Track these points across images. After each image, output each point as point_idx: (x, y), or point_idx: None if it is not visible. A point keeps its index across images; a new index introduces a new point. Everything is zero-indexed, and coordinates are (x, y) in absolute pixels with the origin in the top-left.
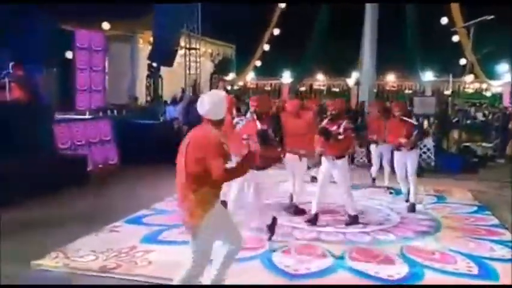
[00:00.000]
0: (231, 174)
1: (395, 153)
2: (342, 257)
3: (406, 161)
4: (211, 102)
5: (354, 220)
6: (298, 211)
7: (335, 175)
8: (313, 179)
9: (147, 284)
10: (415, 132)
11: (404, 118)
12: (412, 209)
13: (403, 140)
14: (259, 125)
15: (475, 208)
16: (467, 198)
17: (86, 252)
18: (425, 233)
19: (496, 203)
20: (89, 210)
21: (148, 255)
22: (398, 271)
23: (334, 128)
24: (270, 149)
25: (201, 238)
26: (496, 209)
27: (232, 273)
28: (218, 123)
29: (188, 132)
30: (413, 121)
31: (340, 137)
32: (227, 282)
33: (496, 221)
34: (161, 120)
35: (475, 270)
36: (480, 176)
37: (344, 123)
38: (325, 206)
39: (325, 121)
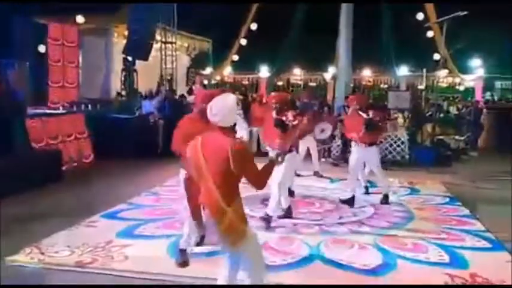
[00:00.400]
0: (267, 177)
1: (354, 148)
2: (317, 248)
3: (366, 157)
4: (222, 111)
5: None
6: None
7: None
8: (316, 173)
9: (125, 277)
10: (363, 127)
11: (360, 112)
12: (385, 200)
13: (354, 135)
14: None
15: (447, 199)
16: (440, 190)
17: (61, 248)
18: (399, 224)
19: (467, 195)
20: (64, 206)
21: (125, 249)
22: (372, 261)
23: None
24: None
25: (249, 249)
26: (467, 200)
27: (208, 266)
28: (231, 130)
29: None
30: (364, 115)
31: (294, 122)
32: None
33: (466, 212)
34: (137, 114)
35: (446, 259)
36: (453, 168)
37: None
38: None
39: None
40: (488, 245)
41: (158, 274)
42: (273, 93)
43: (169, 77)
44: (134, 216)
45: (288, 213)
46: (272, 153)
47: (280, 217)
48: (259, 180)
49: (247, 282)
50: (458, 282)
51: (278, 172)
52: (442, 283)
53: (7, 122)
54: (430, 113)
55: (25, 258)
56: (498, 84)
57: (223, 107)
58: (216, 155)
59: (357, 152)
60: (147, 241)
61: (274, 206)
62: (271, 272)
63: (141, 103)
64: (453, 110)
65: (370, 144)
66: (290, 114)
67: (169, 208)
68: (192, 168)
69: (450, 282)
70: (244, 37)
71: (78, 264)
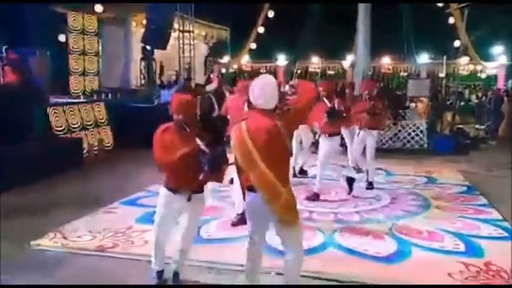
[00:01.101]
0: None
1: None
2: (332, 235)
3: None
4: (264, 93)
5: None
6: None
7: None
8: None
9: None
10: (325, 116)
11: (324, 99)
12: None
13: (316, 124)
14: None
15: (465, 188)
16: (457, 178)
17: (83, 233)
18: (415, 213)
19: (485, 184)
20: (84, 193)
21: (144, 234)
22: (386, 249)
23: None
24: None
25: (298, 230)
26: (485, 189)
27: (224, 252)
28: (273, 111)
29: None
30: (328, 103)
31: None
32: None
33: (484, 201)
34: (155, 103)
35: (461, 248)
36: (471, 157)
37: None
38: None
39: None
40: (505, 234)
41: None
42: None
43: (187, 66)
44: (153, 203)
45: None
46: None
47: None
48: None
49: (289, 264)
50: (472, 270)
51: (321, 152)
52: (456, 271)
53: (29, 109)
54: (450, 101)
55: (49, 242)
56: None
57: (266, 89)
58: (267, 135)
59: (322, 143)
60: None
61: (318, 183)
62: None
63: (159, 92)
64: (474, 98)
65: (331, 135)
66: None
67: None
68: (238, 157)
69: (464, 271)
70: (262, 25)
71: (100, 248)
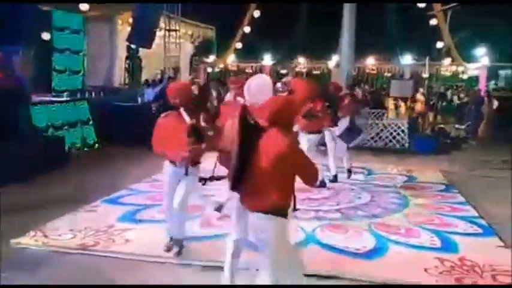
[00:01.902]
0: None
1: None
2: (313, 232)
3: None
4: (261, 91)
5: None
6: None
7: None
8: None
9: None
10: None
11: None
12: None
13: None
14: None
15: (443, 187)
16: (437, 177)
17: (64, 231)
18: (394, 210)
19: (464, 182)
20: (67, 192)
21: (126, 233)
22: (365, 244)
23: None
24: None
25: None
26: (463, 188)
27: (211, 250)
28: None
29: None
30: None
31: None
32: None
33: (462, 199)
34: (140, 102)
35: (437, 244)
36: (452, 156)
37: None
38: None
39: None
40: (480, 231)
41: (158, 257)
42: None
43: (174, 65)
44: (134, 202)
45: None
46: None
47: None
48: None
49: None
50: (447, 265)
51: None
52: (432, 267)
53: (13, 108)
54: (432, 101)
55: (30, 240)
56: (502, 73)
57: (262, 88)
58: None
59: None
60: (147, 225)
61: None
62: None
63: (143, 91)
64: (456, 99)
65: (310, 133)
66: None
67: None
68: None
69: (440, 266)
70: (248, 25)
71: (81, 246)
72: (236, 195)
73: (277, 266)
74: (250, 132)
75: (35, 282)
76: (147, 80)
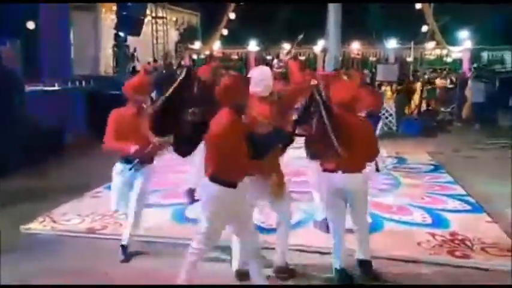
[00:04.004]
0: None
1: None
2: (310, 212)
3: None
4: (263, 81)
5: None
6: None
7: None
8: None
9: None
10: None
11: None
12: None
13: None
14: None
15: (432, 167)
16: (425, 158)
17: (71, 216)
18: (386, 191)
19: (451, 163)
20: (68, 179)
21: None
22: None
23: None
24: None
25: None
26: (450, 168)
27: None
28: (268, 98)
29: None
30: None
31: None
32: None
33: (450, 178)
34: None
35: (428, 220)
36: (438, 138)
37: None
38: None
39: None
40: (469, 208)
41: (164, 238)
42: None
43: (162, 52)
44: None
45: None
46: None
47: None
48: None
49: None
50: (439, 240)
51: None
52: (424, 241)
53: (8, 98)
54: (418, 84)
55: (39, 226)
56: (485, 55)
57: (263, 78)
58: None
59: None
60: (151, 209)
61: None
62: (267, 234)
63: None
64: (440, 82)
65: None
66: None
67: (167, 180)
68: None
69: (432, 240)
70: (232, 11)
71: (90, 230)
72: None
73: None
74: None
75: (47, 266)
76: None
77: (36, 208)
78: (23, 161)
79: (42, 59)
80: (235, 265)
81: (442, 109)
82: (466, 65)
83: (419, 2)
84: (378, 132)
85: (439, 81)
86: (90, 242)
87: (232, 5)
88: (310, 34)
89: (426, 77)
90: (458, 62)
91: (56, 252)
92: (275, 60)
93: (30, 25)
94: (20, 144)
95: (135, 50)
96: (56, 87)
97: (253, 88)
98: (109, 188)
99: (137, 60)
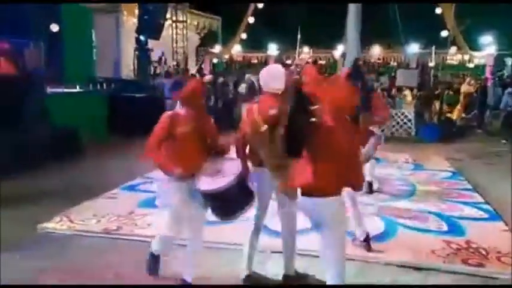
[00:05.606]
0: None
1: None
2: None
3: None
4: (279, 78)
5: None
6: None
7: None
8: None
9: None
10: None
11: None
12: None
13: None
14: None
15: (450, 174)
16: (443, 165)
17: (87, 216)
18: (402, 196)
19: (470, 170)
20: (85, 180)
21: (146, 218)
22: (375, 229)
23: None
24: None
25: None
26: (469, 175)
27: (226, 233)
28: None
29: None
30: None
31: None
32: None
33: (468, 186)
34: (155, 94)
35: (444, 228)
36: (457, 145)
37: None
38: None
39: None
40: (486, 216)
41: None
42: None
43: (181, 56)
44: (152, 189)
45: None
46: None
47: None
48: None
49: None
50: (454, 248)
51: None
52: (439, 248)
53: (28, 99)
54: (438, 90)
55: (56, 225)
56: (509, 61)
57: (275, 74)
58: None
59: None
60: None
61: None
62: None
63: (159, 82)
64: (466, 88)
65: None
66: None
67: None
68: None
69: (446, 248)
70: (252, 15)
71: (106, 230)
72: None
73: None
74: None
75: (61, 264)
76: (167, 72)
77: (54, 208)
78: (42, 161)
79: (65, 61)
80: (244, 268)
81: (463, 115)
82: (488, 71)
83: (442, 2)
84: (370, 151)
85: (464, 87)
86: (105, 241)
87: (251, 10)
88: (330, 38)
89: (447, 82)
90: (480, 68)
91: (71, 251)
92: (292, 67)
93: (54, 28)
94: (40, 144)
95: (162, 53)
96: (78, 89)
97: (265, 84)
98: (125, 189)
99: (165, 63)
